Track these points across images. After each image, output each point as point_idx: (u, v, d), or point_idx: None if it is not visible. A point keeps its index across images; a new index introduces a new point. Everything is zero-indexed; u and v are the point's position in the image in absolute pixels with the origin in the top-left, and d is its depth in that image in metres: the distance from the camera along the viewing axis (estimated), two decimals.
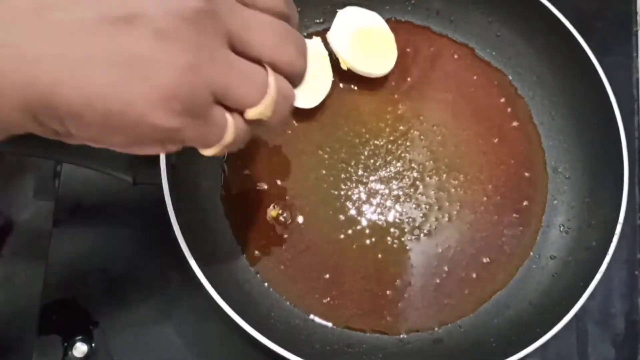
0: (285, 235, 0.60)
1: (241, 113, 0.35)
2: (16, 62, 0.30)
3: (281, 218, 0.60)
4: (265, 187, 0.61)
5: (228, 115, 0.34)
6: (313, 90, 0.62)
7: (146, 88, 0.31)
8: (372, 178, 0.62)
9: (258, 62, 0.35)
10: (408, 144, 0.63)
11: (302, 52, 0.37)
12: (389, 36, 0.64)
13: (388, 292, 0.59)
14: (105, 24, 0.30)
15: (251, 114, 0.35)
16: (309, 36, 0.65)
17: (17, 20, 0.30)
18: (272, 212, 0.60)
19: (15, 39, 0.30)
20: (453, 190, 0.62)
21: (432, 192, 0.62)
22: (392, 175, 0.62)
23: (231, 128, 0.35)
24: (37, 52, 0.30)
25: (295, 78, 0.37)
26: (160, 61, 0.31)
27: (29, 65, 0.30)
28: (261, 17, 0.35)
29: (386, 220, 0.61)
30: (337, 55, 0.63)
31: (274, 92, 0.35)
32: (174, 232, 0.52)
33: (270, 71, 0.35)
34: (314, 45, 0.64)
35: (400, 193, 0.62)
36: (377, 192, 0.62)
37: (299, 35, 0.37)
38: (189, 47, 0.31)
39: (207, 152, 0.35)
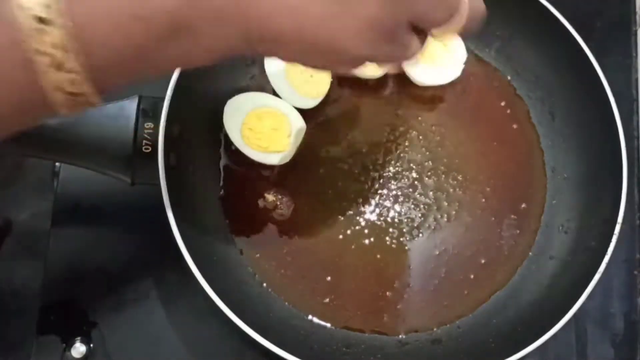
0: (284, 236, 0.60)
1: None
2: (236, 2, 0.33)
3: (279, 218, 0.60)
4: (263, 188, 0.61)
5: (415, 36, 0.38)
6: (312, 90, 0.62)
7: (352, 19, 0.34)
8: (370, 178, 0.62)
9: None
10: (407, 144, 0.63)
11: None
12: None
13: (387, 292, 0.59)
14: None
15: (439, 32, 0.38)
16: None
17: None
18: (271, 212, 0.60)
19: None
20: (452, 190, 0.62)
21: (431, 192, 0.62)
22: (391, 175, 0.62)
23: (415, 47, 0.38)
24: None
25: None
26: None
27: None
28: None
29: (385, 221, 0.61)
30: None
31: (464, 10, 0.38)
32: (172, 232, 0.52)
33: None
34: None
35: (399, 193, 0.62)
36: (375, 192, 0.61)
37: None
38: None
39: (389, 69, 0.40)
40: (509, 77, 0.66)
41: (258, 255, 0.59)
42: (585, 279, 0.54)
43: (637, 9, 0.71)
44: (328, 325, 0.58)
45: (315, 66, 0.39)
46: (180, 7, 0.32)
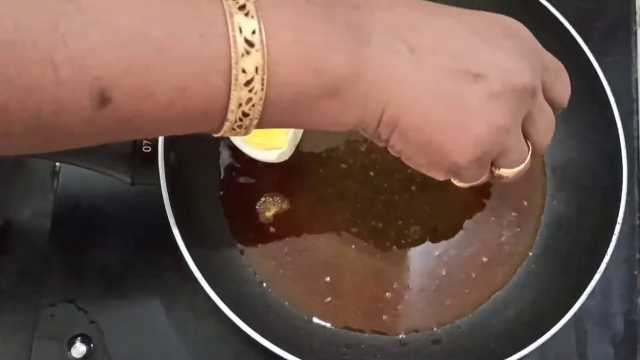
0: (284, 236, 0.60)
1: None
2: (382, 85, 0.37)
3: (279, 218, 0.60)
4: (263, 187, 0.61)
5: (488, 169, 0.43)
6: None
7: (465, 133, 0.39)
8: (370, 177, 0.62)
9: (525, 136, 0.43)
10: None
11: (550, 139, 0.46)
12: None
13: (387, 293, 0.59)
14: (458, 74, 0.38)
15: (503, 173, 0.44)
16: None
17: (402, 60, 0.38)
18: (270, 212, 0.60)
19: (393, 70, 0.37)
20: (452, 190, 0.62)
21: (431, 192, 0.62)
22: (391, 174, 0.62)
23: (486, 177, 0.44)
24: (407, 80, 0.37)
25: (537, 156, 0.46)
26: (484, 117, 0.39)
27: (398, 88, 0.37)
28: (547, 107, 0.44)
29: (385, 220, 0.61)
30: None
31: (526, 165, 0.44)
32: (172, 232, 0.52)
33: (530, 148, 0.44)
34: None
35: (399, 193, 0.62)
36: (375, 191, 0.61)
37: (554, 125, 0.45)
38: (508, 113, 0.39)
39: (459, 184, 0.45)
40: None
41: (258, 255, 0.59)
42: (585, 279, 0.54)
43: (637, 9, 0.71)
44: (328, 325, 0.58)
45: (414, 162, 0.42)
46: (345, 74, 0.36)
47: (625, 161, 0.57)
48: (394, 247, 0.60)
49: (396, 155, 0.43)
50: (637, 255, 0.64)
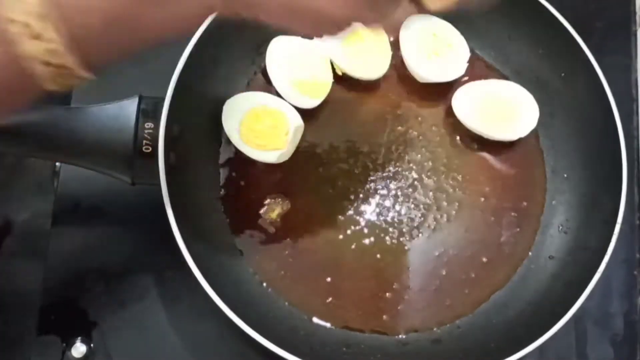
0: (284, 236, 0.60)
1: None
2: None
3: (279, 218, 0.60)
4: (264, 188, 0.61)
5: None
6: (313, 90, 0.62)
7: None
8: (370, 178, 0.62)
9: None
10: (407, 144, 0.63)
11: None
12: (383, 38, 0.64)
13: (387, 293, 0.59)
14: None
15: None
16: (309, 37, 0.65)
17: None
18: (271, 212, 0.60)
19: None
20: (451, 190, 0.62)
21: (431, 192, 0.62)
22: (391, 175, 0.62)
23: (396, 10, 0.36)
24: None
25: None
26: None
27: None
28: None
29: (385, 221, 0.61)
30: (332, 61, 0.63)
31: None
32: (172, 232, 0.52)
33: None
34: (314, 46, 0.63)
35: (399, 193, 0.62)
36: (375, 192, 0.61)
37: None
38: None
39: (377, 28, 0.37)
40: (508, 77, 0.66)
41: (258, 255, 0.59)
42: (585, 279, 0.54)
43: (637, 9, 0.71)
44: (328, 325, 0.58)
45: (300, 30, 0.37)
46: None
47: (625, 161, 0.57)
48: (394, 246, 0.60)
49: (277, 25, 0.36)
50: (637, 255, 0.64)
